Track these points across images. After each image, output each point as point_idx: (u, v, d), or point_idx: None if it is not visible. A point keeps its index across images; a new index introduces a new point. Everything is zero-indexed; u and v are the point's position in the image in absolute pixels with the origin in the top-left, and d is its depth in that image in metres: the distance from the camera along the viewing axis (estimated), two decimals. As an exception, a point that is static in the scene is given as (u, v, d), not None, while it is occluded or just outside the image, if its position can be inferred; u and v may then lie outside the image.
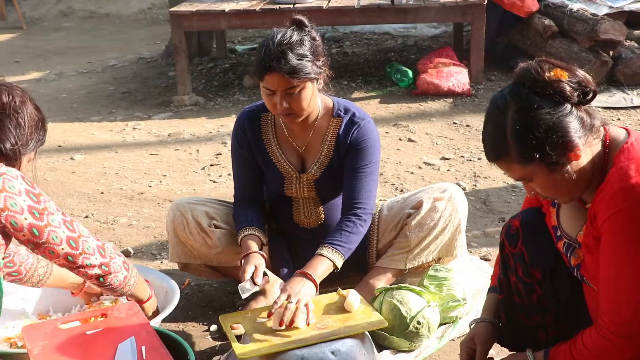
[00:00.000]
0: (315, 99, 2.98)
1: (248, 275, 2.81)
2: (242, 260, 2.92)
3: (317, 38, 2.91)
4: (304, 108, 2.90)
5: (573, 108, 2.01)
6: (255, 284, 2.81)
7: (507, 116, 2.03)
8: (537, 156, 2.01)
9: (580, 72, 2.05)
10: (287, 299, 2.68)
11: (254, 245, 2.96)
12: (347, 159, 3.05)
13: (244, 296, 2.81)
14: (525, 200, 2.61)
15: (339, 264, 2.92)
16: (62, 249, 2.39)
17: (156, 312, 2.88)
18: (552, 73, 2.01)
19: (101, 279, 2.53)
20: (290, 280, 2.79)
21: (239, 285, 2.81)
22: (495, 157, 2.11)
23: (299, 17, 2.90)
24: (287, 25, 2.89)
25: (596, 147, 2.08)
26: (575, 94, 2.00)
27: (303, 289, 2.74)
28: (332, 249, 2.90)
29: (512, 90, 2.06)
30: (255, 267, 2.85)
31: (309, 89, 2.88)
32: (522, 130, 2.01)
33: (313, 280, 2.79)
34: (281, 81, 2.80)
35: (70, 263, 2.44)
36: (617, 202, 2.00)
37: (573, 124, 2.00)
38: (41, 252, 2.40)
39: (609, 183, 2.03)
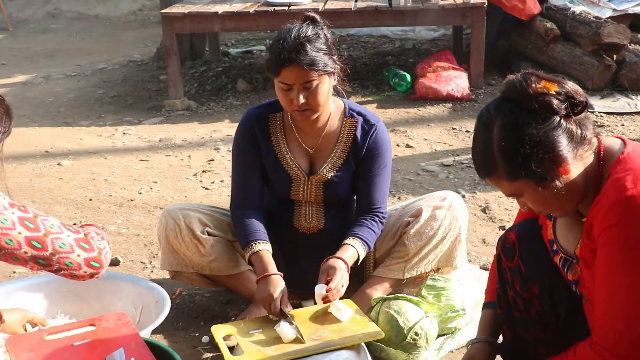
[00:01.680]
0: (330, 96, 2.99)
1: (278, 305, 2.79)
2: (264, 283, 2.86)
3: (329, 35, 2.94)
4: (320, 103, 2.90)
5: (561, 121, 1.97)
6: (285, 315, 2.77)
7: (493, 132, 2.01)
8: (524, 172, 1.98)
9: (569, 84, 2.01)
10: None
11: (272, 265, 2.93)
12: (363, 163, 3.08)
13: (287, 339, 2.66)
14: (519, 211, 2.56)
15: (362, 255, 3.01)
16: (25, 252, 2.12)
17: None
18: (538, 86, 1.97)
19: (96, 277, 2.30)
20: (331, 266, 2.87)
21: (279, 328, 2.66)
22: (484, 173, 2.09)
23: (312, 13, 2.95)
24: (300, 21, 2.92)
25: (588, 159, 2.05)
26: (563, 106, 1.96)
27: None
28: (359, 241, 3.00)
29: (498, 105, 2.04)
30: (282, 294, 2.83)
31: (325, 83, 2.89)
32: (508, 147, 1.98)
33: (346, 263, 2.90)
34: (299, 74, 2.81)
35: (46, 267, 2.19)
36: (613, 215, 1.96)
37: (561, 138, 1.96)
38: (6, 261, 2.15)
39: (605, 195, 1.99)
